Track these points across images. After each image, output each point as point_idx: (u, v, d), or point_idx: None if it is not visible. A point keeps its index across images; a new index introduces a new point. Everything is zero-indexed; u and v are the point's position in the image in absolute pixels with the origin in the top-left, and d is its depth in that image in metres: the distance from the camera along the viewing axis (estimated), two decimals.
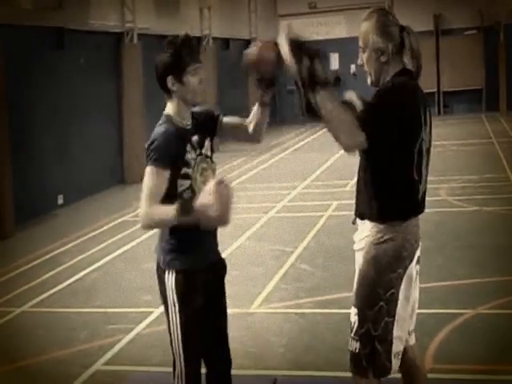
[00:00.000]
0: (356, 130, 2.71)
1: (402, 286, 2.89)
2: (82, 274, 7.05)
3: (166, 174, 2.84)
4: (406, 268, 2.89)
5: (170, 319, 2.95)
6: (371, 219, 2.91)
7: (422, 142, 2.87)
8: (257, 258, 7.15)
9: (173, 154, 2.86)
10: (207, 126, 3.09)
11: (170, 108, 3.00)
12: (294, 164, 13.76)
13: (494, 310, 5.23)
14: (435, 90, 21.26)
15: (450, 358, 4.40)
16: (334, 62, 22.17)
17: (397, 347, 2.92)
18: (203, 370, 3.06)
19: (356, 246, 3.00)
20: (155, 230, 3.06)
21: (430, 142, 2.96)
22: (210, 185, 2.73)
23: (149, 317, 5.49)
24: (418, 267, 2.99)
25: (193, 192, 2.90)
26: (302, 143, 17.28)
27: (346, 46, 20.21)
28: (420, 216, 2.98)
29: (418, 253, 2.97)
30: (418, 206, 2.95)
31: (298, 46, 2.86)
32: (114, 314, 5.75)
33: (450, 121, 19.03)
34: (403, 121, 2.79)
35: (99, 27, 12.28)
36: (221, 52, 17.69)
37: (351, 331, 2.94)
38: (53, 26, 10.89)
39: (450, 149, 13.40)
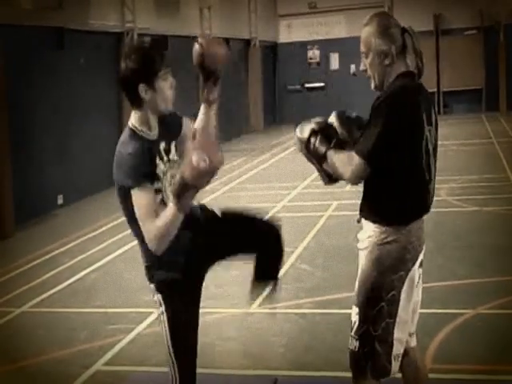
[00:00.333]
0: (358, 166, 2.81)
1: (404, 288, 2.89)
2: (82, 273, 7.05)
3: (150, 188, 2.72)
4: (408, 270, 2.89)
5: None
6: (375, 220, 2.91)
7: (427, 140, 2.87)
8: None
9: (146, 171, 2.73)
10: (173, 130, 2.96)
11: (135, 118, 2.83)
12: (294, 164, 13.74)
13: (494, 309, 5.23)
14: (435, 89, 21.25)
15: (450, 358, 4.40)
16: (334, 61, 22.18)
17: (397, 349, 2.92)
18: None
19: (360, 245, 3.00)
20: None
21: (435, 141, 2.97)
22: (188, 143, 2.62)
23: (149, 317, 5.49)
24: (420, 270, 2.99)
25: (164, 205, 2.77)
26: None
27: (346, 46, 20.22)
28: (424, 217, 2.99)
29: (421, 256, 2.97)
30: (425, 207, 2.96)
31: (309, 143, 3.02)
32: (114, 314, 5.75)
33: (449, 121, 19.03)
34: (406, 127, 2.80)
35: (99, 27, 12.28)
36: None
37: (351, 330, 2.95)
38: (53, 26, 10.89)
39: (449, 149, 13.41)
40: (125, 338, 5.16)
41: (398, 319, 2.89)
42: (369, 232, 2.93)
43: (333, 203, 9.45)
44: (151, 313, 5.55)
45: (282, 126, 21.57)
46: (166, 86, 2.80)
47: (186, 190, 2.58)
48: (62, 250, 8.13)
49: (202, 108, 3.11)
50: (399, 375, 3.11)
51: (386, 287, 2.87)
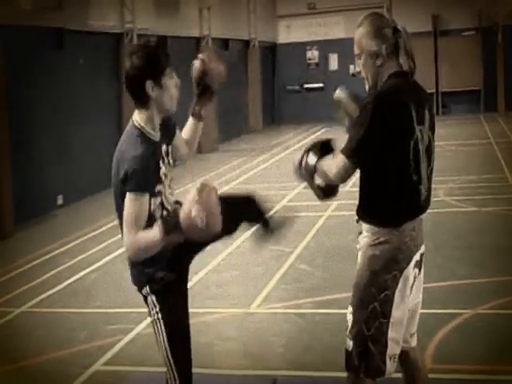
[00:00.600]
0: (341, 164, 2.85)
1: (398, 289, 2.89)
2: (81, 274, 7.07)
3: (147, 197, 2.69)
4: (402, 270, 2.89)
5: None
6: (368, 221, 2.93)
7: (417, 140, 2.86)
8: (256, 258, 7.16)
9: (150, 176, 2.73)
10: (170, 132, 2.97)
11: (141, 118, 2.79)
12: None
13: (493, 310, 5.24)
14: (434, 90, 21.27)
15: (450, 357, 4.41)
16: (333, 62, 22.20)
17: (392, 349, 2.91)
18: None
19: (358, 245, 3.02)
20: None
21: (430, 140, 2.95)
22: (193, 192, 2.50)
23: (149, 317, 5.49)
24: (416, 270, 2.97)
25: (163, 208, 2.79)
26: (301, 143, 17.28)
27: (345, 47, 20.16)
28: (423, 216, 2.98)
29: (417, 257, 2.95)
30: (418, 208, 2.94)
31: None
32: (113, 314, 5.76)
33: (448, 121, 19.05)
34: (391, 127, 2.79)
35: (99, 28, 12.29)
36: (220, 52, 17.70)
37: (347, 329, 2.96)
38: (52, 27, 10.90)
39: (448, 149, 13.43)
40: (124, 338, 5.17)
41: (392, 319, 2.88)
42: (364, 232, 2.96)
43: (332, 203, 9.45)
44: None
45: (280, 127, 21.58)
46: (172, 85, 2.79)
47: (176, 230, 2.54)
48: (61, 250, 8.14)
49: (191, 121, 3.10)
50: (398, 375, 3.12)
51: (378, 287, 2.87)
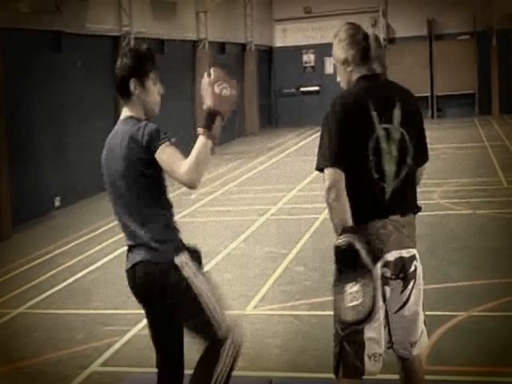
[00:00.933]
0: (327, 176, 2.91)
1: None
2: (79, 275, 7.09)
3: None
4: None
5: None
6: None
7: (377, 139, 2.90)
8: (253, 259, 7.20)
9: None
10: None
11: (131, 111, 3.02)
12: (290, 166, 13.82)
13: (486, 312, 5.28)
14: (428, 94, 21.38)
15: (443, 359, 4.45)
16: (329, 66, 22.25)
17: (371, 349, 2.88)
18: None
19: None
20: None
21: (404, 137, 2.94)
22: (204, 82, 2.92)
23: (146, 318, 5.53)
24: (389, 272, 2.89)
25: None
26: (298, 145, 17.35)
27: None
28: (417, 216, 2.99)
29: (387, 257, 2.89)
30: (383, 207, 2.91)
31: None
32: (111, 316, 5.79)
33: (443, 124, 19.12)
34: (346, 128, 2.87)
35: (96, 31, 12.34)
36: (216, 56, 17.75)
37: None
38: (51, 30, 10.94)
39: (443, 152, 13.49)
40: (121, 339, 5.20)
41: None
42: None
43: None
44: None
45: (277, 130, 21.64)
46: (155, 91, 3.02)
47: (214, 117, 2.91)
48: (59, 251, 8.17)
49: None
50: (398, 376, 3.17)
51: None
